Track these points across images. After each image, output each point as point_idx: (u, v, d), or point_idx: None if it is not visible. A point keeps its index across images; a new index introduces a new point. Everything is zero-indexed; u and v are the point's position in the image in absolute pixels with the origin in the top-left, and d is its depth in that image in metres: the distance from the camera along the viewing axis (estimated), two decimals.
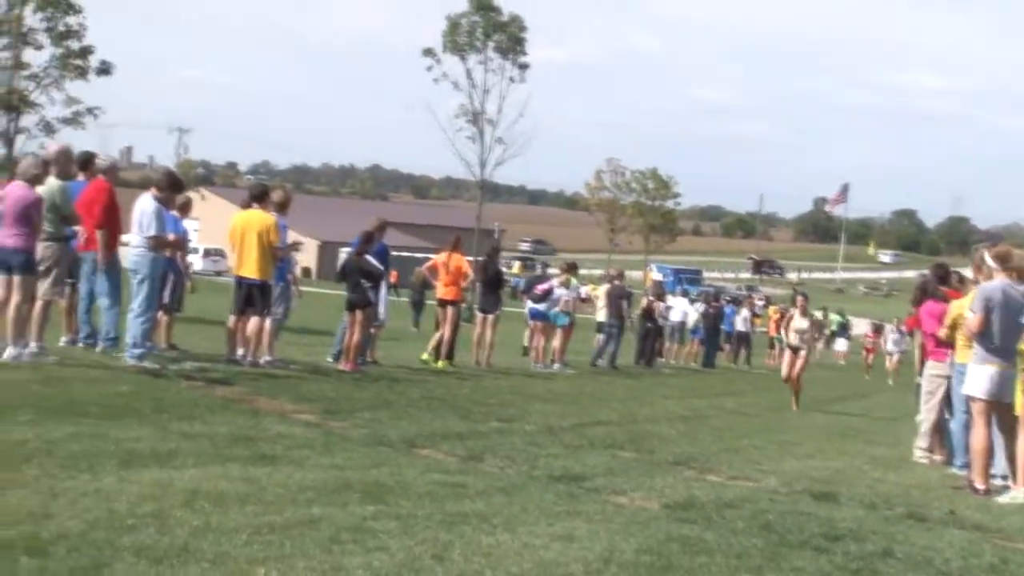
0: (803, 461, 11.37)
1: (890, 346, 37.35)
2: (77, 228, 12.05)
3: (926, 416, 12.63)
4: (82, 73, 43.65)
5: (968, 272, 11.74)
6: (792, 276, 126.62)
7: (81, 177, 12.55)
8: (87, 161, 12.95)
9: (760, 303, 64.33)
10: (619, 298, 24.38)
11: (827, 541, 6.60)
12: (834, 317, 49.39)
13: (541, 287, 21.36)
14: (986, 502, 9.29)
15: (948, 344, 11.48)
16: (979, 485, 9.81)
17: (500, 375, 18.02)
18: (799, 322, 20.01)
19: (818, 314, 32.91)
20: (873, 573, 5.90)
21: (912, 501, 8.88)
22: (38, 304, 11.11)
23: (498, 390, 15.26)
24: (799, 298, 21.37)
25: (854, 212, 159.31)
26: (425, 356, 17.87)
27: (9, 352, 10.72)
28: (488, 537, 5.77)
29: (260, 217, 13.31)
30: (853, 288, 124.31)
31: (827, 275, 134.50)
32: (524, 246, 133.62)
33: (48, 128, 43.15)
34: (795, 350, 19.98)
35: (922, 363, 12.92)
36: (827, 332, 48.41)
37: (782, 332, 21.73)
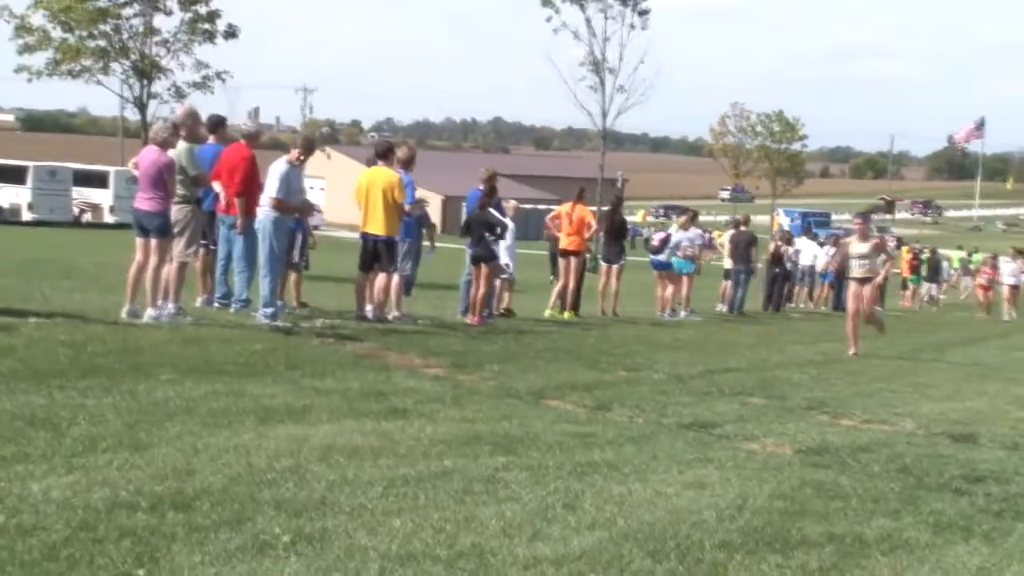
0: (940, 403, 11.12)
1: (1006, 277, 33.94)
2: (217, 188, 12.33)
3: None
4: (210, 37, 44.54)
5: None
6: (948, 214, 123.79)
7: (212, 140, 12.81)
8: (217, 124, 13.21)
9: (892, 244, 62.63)
10: (747, 245, 24.06)
11: (967, 483, 6.46)
12: (976, 257, 47.96)
13: (658, 236, 21.29)
14: None
15: None
16: None
17: (626, 324, 17.97)
18: (857, 247, 16.56)
19: (954, 252, 31.76)
20: (1017, 515, 5.76)
21: None
22: (173, 265, 11.41)
23: (624, 339, 15.22)
24: (856, 220, 18.11)
25: (991, 148, 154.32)
26: (548, 311, 17.91)
27: (149, 313, 11.05)
28: (619, 486, 5.78)
29: (385, 174, 13.43)
30: (991, 225, 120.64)
31: (963, 212, 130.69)
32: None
33: (178, 93, 44.20)
34: (861, 281, 16.46)
35: None
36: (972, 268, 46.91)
37: (846, 262, 17.41)
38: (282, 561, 4.15)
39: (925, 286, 38.30)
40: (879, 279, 17.01)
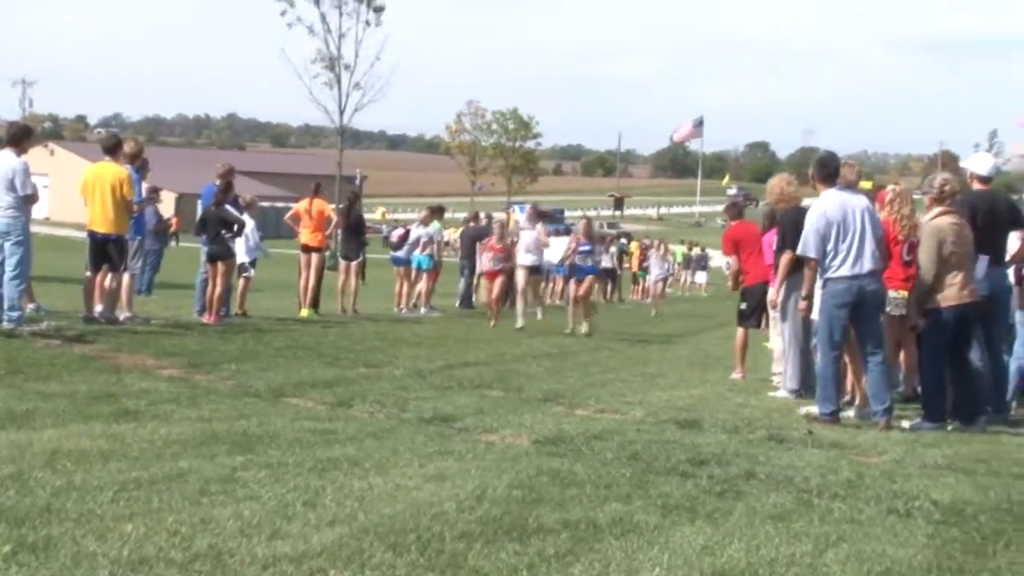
0: (667, 391, 11.61)
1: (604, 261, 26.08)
2: None
3: (775, 341, 13.05)
4: None
5: None
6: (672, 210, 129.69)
7: None
8: None
9: (623, 240, 65.03)
10: (472, 239, 24.46)
11: (692, 466, 6.76)
12: (696, 251, 50.23)
13: (396, 233, 21.47)
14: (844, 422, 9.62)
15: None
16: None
17: (366, 321, 17.95)
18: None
19: (677, 247, 32.93)
20: (737, 494, 6.07)
21: (772, 424, 9.15)
22: None
23: (365, 336, 15.21)
24: None
25: (709, 146, 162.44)
26: (304, 311, 17.71)
27: None
28: (360, 481, 5.77)
29: (113, 170, 12.93)
30: (712, 221, 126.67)
31: (686, 209, 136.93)
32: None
33: None
34: None
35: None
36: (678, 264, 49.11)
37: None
38: (2, 573, 3.94)
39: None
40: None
